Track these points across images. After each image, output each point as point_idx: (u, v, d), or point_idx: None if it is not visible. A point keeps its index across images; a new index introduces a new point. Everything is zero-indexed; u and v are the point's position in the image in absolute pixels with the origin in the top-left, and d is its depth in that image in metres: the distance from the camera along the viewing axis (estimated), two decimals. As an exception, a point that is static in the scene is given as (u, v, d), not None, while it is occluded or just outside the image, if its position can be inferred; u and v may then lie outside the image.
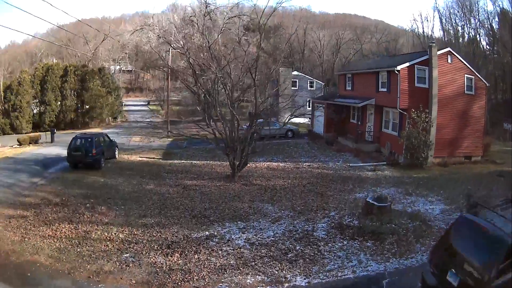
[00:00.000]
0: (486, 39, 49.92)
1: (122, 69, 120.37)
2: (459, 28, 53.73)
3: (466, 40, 51.88)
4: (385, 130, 24.56)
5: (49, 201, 14.39)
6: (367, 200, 11.87)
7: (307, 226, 12.20)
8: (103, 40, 73.80)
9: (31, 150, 27.09)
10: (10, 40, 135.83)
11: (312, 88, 48.81)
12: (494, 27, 47.19)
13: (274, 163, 22.73)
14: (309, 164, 22.67)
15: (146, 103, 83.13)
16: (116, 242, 10.97)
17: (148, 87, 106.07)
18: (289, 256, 10.25)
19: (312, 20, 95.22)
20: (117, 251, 10.44)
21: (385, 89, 23.15)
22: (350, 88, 29.01)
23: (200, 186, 17.49)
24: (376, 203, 11.48)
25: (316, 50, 74.98)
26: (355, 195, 15.46)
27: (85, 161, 19.99)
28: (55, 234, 11.34)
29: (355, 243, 10.73)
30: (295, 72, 47.74)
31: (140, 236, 11.50)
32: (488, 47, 48.91)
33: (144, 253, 10.34)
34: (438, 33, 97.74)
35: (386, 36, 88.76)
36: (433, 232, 11.03)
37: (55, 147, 28.56)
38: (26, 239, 10.81)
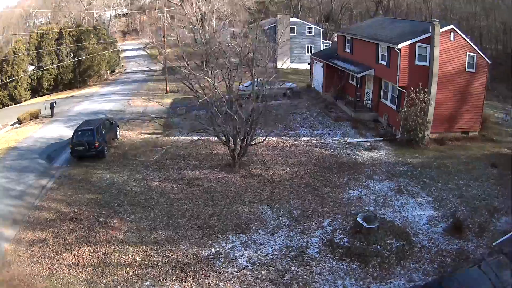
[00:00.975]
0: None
1: (118, 13, 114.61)
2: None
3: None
4: (384, 100, 24.60)
5: (63, 215, 15.51)
6: (357, 219, 12.81)
7: (302, 240, 13.36)
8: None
9: (33, 133, 27.35)
10: (6, 6, 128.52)
11: (310, 34, 47.19)
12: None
13: (273, 139, 23.02)
14: (307, 139, 23.27)
15: (144, 46, 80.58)
16: (135, 267, 12.37)
17: (143, 29, 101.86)
18: (285, 279, 11.57)
19: None
20: (138, 278, 11.87)
21: (384, 62, 22.68)
22: (349, 51, 28.23)
23: (203, 180, 18.37)
24: (364, 224, 12.44)
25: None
26: (349, 193, 16.40)
27: (89, 154, 20.68)
28: (78, 261, 12.69)
29: (343, 265, 11.95)
30: (293, 19, 45.72)
31: (155, 257, 12.81)
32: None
33: (161, 279, 11.77)
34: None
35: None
36: (414, 253, 12.12)
37: (57, 125, 29.07)
38: (54, 272, 12.16)
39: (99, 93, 43.10)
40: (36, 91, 46.83)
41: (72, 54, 48.03)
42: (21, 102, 44.35)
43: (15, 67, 43.41)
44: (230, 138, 18.87)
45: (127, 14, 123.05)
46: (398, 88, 21.60)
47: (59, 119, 30.94)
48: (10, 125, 30.39)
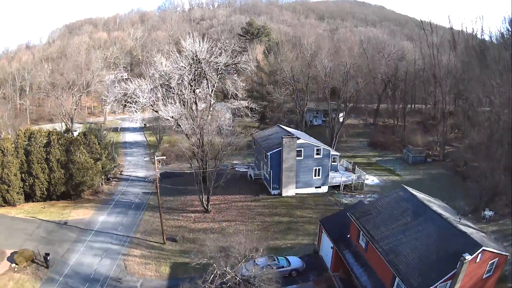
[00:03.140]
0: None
1: (117, 78, 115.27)
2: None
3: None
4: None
5: None
6: None
7: None
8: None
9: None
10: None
11: (319, 156, 45.30)
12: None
13: None
14: None
15: (143, 126, 79.81)
16: None
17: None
18: None
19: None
20: None
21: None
22: (363, 246, 25.97)
23: None
24: None
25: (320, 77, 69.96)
26: None
27: None
28: None
29: None
30: (300, 141, 44.05)
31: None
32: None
33: None
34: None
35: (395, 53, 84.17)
36: None
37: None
38: None
39: (94, 223, 40.52)
40: (29, 196, 45.27)
41: (62, 164, 46.04)
42: (15, 205, 43.49)
43: (5, 170, 42.22)
44: None
45: (127, 79, 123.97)
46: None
47: (55, 277, 28.94)
48: (7, 259, 29.53)
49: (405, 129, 73.38)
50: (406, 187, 28.39)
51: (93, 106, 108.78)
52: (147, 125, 77.03)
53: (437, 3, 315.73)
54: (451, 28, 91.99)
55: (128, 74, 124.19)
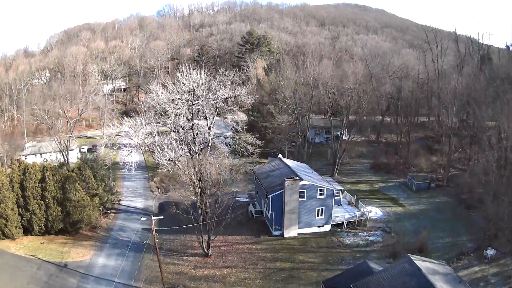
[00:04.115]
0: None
1: (116, 88, 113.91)
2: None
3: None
4: None
5: None
6: None
7: None
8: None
9: None
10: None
11: (322, 196, 44.08)
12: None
13: None
14: None
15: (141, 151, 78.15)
16: None
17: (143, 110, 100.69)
18: None
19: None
20: None
21: None
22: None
23: None
24: None
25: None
26: None
27: None
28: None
29: None
30: (303, 182, 42.76)
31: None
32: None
33: None
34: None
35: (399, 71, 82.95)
36: None
37: None
38: None
39: (93, 267, 39.67)
40: (28, 230, 44.72)
41: (58, 202, 44.96)
42: (14, 239, 43.13)
43: (2, 204, 41.66)
44: None
45: (125, 89, 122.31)
46: None
47: None
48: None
49: (409, 148, 71.58)
50: (411, 257, 27.40)
51: (91, 119, 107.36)
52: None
53: (438, 7, 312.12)
54: (456, 42, 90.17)
55: (126, 84, 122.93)
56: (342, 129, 66.41)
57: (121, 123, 50.06)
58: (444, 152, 65.52)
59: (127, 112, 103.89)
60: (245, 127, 58.32)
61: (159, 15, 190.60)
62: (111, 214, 53.53)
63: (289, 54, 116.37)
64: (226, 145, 53.14)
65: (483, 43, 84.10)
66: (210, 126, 46.34)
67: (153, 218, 33.02)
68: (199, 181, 37.55)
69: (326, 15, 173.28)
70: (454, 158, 66.56)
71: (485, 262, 39.16)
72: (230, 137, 53.32)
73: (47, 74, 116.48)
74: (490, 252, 39.73)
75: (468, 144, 67.04)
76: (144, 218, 43.38)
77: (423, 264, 26.82)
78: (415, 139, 79.03)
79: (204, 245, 40.79)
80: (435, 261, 30.44)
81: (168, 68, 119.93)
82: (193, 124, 46.54)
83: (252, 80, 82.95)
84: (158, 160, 44.57)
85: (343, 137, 67.17)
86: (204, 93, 46.43)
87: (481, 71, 71.84)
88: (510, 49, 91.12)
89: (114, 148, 73.48)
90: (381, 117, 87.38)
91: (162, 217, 38.74)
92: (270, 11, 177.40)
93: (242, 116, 73.12)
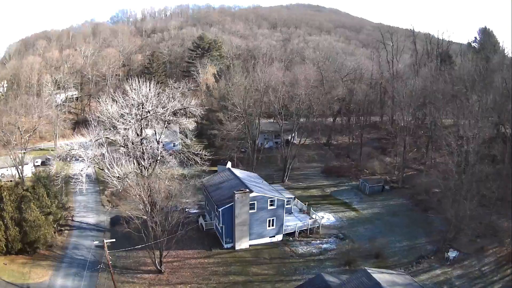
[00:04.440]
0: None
1: (68, 97, 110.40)
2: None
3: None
4: None
5: None
6: None
7: None
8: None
9: None
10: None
11: (272, 207, 44.89)
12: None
13: None
14: None
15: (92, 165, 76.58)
16: None
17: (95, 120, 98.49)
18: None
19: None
20: None
21: None
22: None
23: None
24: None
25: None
26: None
27: None
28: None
29: None
30: (252, 194, 43.34)
31: None
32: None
33: None
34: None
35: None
36: None
37: None
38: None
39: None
40: None
41: (16, 222, 44.74)
42: None
43: None
44: None
45: (77, 98, 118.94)
46: None
47: None
48: None
49: (361, 151, 71.67)
50: (368, 270, 27.59)
51: (44, 131, 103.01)
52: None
53: (395, 4, 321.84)
54: (414, 42, 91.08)
55: (78, 92, 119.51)
56: (292, 133, 67.58)
57: (72, 142, 49.16)
58: (398, 152, 65.12)
59: (79, 122, 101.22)
60: (193, 138, 58.30)
61: (113, 21, 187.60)
62: (65, 231, 52.75)
63: (240, 58, 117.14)
64: (176, 153, 52.96)
65: (442, 40, 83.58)
66: (158, 141, 46.10)
67: (105, 241, 33.07)
68: (148, 197, 37.35)
69: (278, 16, 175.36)
70: (409, 158, 66.18)
71: (447, 264, 39.32)
72: (179, 145, 53.37)
73: (5, 85, 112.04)
74: (452, 254, 39.91)
75: (424, 144, 66.78)
76: (97, 242, 42.68)
77: (381, 276, 26.45)
78: (368, 140, 79.79)
79: (156, 262, 40.74)
80: (393, 271, 30.41)
81: (119, 76, 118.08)
82: (142, 139, 46.20)
83: (202, 87, 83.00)
84: (107, 179, 43.98)
85: (293, 141, 68.14)
86: (153, 106, 46.18)
87: (440, 71, 71.15)
88: (473, 46, 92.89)
89: (67, 161, 71.39)
90: (333, 120, 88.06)
91: (114, 240, 38.22)
92: (222, 14, 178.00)
93: (191, 123, 73.02)
